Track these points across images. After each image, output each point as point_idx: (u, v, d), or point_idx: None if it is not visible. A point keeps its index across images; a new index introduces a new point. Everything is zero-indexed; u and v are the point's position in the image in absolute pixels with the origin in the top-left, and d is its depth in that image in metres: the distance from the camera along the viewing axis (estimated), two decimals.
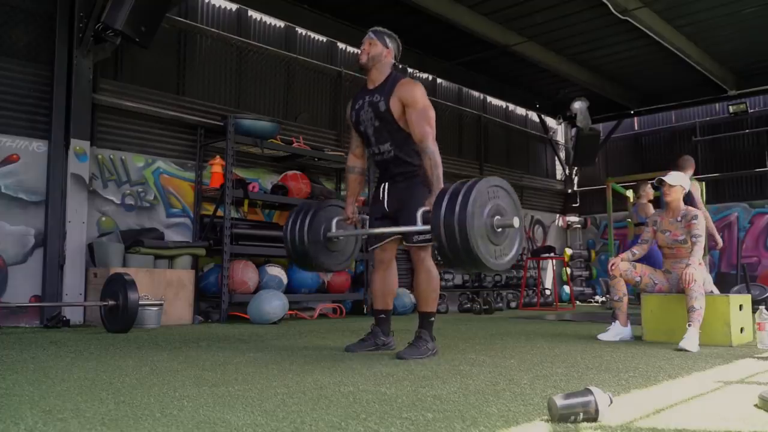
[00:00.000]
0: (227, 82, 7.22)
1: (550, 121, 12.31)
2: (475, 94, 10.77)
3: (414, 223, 3.10)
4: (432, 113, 3.23)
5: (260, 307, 5.65)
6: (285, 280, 6.49)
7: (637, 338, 4.31)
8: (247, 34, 7.43)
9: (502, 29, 8.28)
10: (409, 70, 9.47)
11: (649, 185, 6.58)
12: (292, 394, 2.12)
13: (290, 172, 7.02)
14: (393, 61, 3.42)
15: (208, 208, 6.59)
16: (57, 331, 4.77)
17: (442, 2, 7.44)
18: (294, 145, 7.01)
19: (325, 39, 8.33)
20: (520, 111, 11.82)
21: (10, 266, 5.34)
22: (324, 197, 7.07)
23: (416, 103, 3.20)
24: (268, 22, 7.71)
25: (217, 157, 6.46)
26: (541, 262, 10.23)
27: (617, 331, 4.29)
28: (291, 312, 6.42)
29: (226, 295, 5.98)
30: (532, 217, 11.64)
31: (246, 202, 6.57)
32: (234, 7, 7.35)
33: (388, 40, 3.42)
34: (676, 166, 5.96)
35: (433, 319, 3.31)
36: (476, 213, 2.70)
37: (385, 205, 3.37)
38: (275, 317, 5.64)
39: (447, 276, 8.99)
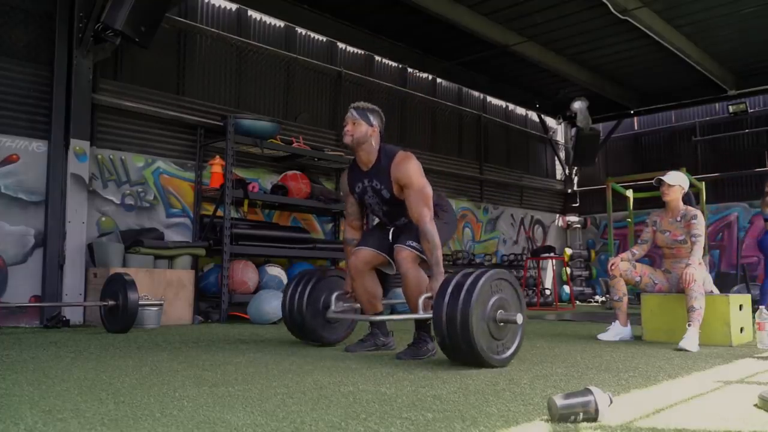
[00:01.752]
0: (227, 82, 7.22)
1: (550, 121, 12.31)
2: (475, 94, 10.77)
3: (413, 240, 3.18)
4: (428, 191, 3.22)
5: (260, 307, 5.64)
6: (285, 280, 6.49)
7: (637, 338, 4.31)
8: (246, 34, 7.43)
9: (502, 29, 8.28)
10: (409, 70, 9.48)
11: None
12: (292, 394, 2.13)
13: (290, 172, 7.02)
14: (379, 137, 3.37)
15: (208, 208, 6.59)
16: (57, 332, 4.77)
17: (441, 2, 7.44)
18: (294, 145, 7.01)
19: (325, 39, 8.33)
20: (520, 111, 11.83)
21: (10, 266, 5.34)
22: (324, 197, 7.07)
23: (412, 184, 3.19)
24: (267, 22, 7.71)
25: (217, 157, 6.46)
26: (540, 261, 10.24)
27: (617, 331, 4.29)
28: None
29: (225, 295, 5.98)
30: (532, 217, 11.64)
31: (246, 202, 6.57)
32: (234, 6, 7.35)
33: (371, 117, 3.35)
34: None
35: (429, 321, 3.28)
36: (479, 308, 2.72)
37: (389, 237, 3.42)
38: (275, 317, 5.64)
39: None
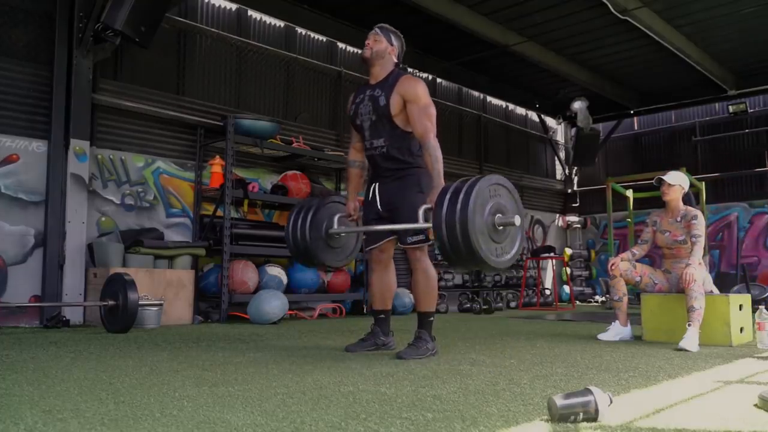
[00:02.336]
0: (227, 82, 7.21)
1: (550, 121, 12.31)
2: (475, 93, 10.77)
3: (411, 222, 3.10)
4: (433, 111, 3.22)
5: (260, 307, 5.64)
6: (285, 280, 6.49)
7: (637, 338, 4.31)
8: (246, 34, 7.43)
9: (502, 29, 8.28)
10: (410, 69, 9.47)
11: None
12: (291, 394, 2.13)
13: (290, 172, 7.02)
14: (395, 59, 3.39)
15: (208, 208, 6.59)
16: (57, 331, 4.77)
17: (441, 2, 7.44)
18: (294, 145, 7.01)
19: (325, 39, 8.33)
20: (520, 111, 11.82)
21: (10, 266, 5.33)
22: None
23: (418, 99, 3.19)
24: (267, 22, 7.71)
25: (217, 157, 6.46)
26: (540, 261, 10.24)
27: (617, 330, 4.29)
28: (291, 312, 6.41)
29: (225, 295, 5.98)
30: (532, 217, 11.64)
31: (246, 202, 6.57)
32: (234, 6, 7.35)
33: (393, 38, 3.39)
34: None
35: (432, 318, 3.32)
36: (477, 211, 2.71)
37: (378, 206, 3.35)
38: (275, 317, 5.64)
39: (447, 276, 8.99)
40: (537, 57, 8.95)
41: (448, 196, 2.77)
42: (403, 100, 3.22)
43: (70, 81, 5.62)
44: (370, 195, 3.40)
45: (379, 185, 3.36)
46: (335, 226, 3.55)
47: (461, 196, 2.72)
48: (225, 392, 2.16)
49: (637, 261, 4.40)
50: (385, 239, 3.39)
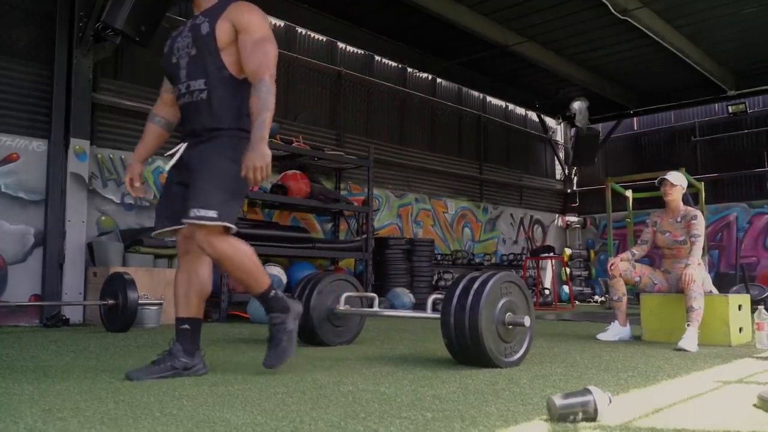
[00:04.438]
0: None
1: (550, 121, 12.32)
2: (475, 93, 10.77)
3: (195, 210, 2.34)
4: (272, 48, 2.41)
5: (260, 306, 5.64)
6: (284, 279, 6.50)
7: (636, 338, 4.31)
8: None
9: (502, 29, 8.29)
10: (409, 69, 9.48)
11: None
12: (291, 394, 2.13)
13: (290, 172, 7.02)
14: None
15: None
16: (57, 331, 4.77)
17: (442, 2, 7.45)
18: (294, 144, 7.01)
19: (325, 39, 8.34)
20: (520, 111, 11.83)
21: (10, 265, 5.34)
22: (324, 196, 7.08)
23: (251, 28, 2.41)
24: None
25: None
26: (540, 261, 10.24)
27: (616, 330, 4.29)
28: None
29: (225, 294, 5.98)
30: (532, 216, 11.65)
31: (246, 201, 6.57)
32: None
33: None
34: None
35: (273, 292, 2.60)
36: (488, 310, 2.73)
37: (172, 163, 2.54)
38: None
39: (446, 275, 8.99)
40: (536, 57, 8.96)
41: (458, 291, 2.79)
42: (234, 29, 2.44)
43: (70, 80, 5.63)
44: (176, 156, 2.53)
45: (187, 146, 2.52)
46: (341, 305, 3.58)
47: (472, 292, 2.75)
48: (225, 391, 2.16)
49: (636, 261, 4.40)
50: (177, 221, 2.49)
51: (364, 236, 7.52)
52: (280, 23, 7.82)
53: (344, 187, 8.18)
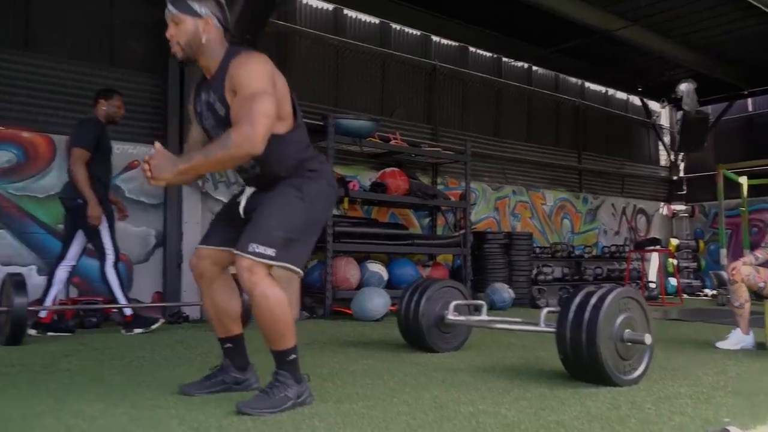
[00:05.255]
0: (325, 81, 7.38)
1: (654, 105, 11.72)
2: (573, 80, 10.42)
3: (251, 244, 2.22)
4: (264, 103, 2.14)
5: (364, 304, 5.79)
6: (385, 276, 6.61)
7: (760, 345, 4.07)
8: (343, 33, 7.55)
9: (604, 14, 7.96)
10: (504, 59, 9.30)
11: None
12: (414, 414, 2.18)
13: (388, 170, 7.10)
14: (218, 31, 2.33)
15: None
16: (178, 328, 5.09)
17: None
18: (391, 142, 7.08)
19: (419, 33, 8.33)
20: (621, 95, 11.34)
21: (135, 265, 5.75)
22: (422, 193, 7.12)
23: (242, 87, 2.19)
24: (363, 20, 7.79)
25: None
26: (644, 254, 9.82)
27: (738, 339, 4.07)
28: (392, 308, 6.52)
29: (329, 291, 6.17)
30: (635, 206, 11.18)
31: (346, 200, 6.72)
32: (330, 6, 7.48)
33: (196, 4, 2.31)
34: None
35: (293, 357, 2.32)
36: (606, 326, 2.68)
37: (241, 210, 2.45)
38: (378, 314, 5.77)
39: (545, 269, 8.81)
40: (640, 40, 8.54)
41: (574, 306, 2.76)
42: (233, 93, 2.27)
43: (182, 89, 5.94)
44: (238, 199, 2.51)
45: (251, 194, 2.47)
46: (450, 313, 3.61)
47: (589, 308, 2.70)
48: (350, 410, 2.25)
49: (759, 265, 4.14)
50: (219, 244, 2.48)
51: (462, 232, 7.50)
52: (375, 20, 7.88)
53: (441, 181, 8.19)
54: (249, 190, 2.48)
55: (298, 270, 2.31)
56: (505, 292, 7.50)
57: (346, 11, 7.61)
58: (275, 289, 2.24)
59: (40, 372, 3.04)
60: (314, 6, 7.36)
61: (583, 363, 2.72)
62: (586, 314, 2.70)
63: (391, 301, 6.13)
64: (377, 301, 5.81)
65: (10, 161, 5.26)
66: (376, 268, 6.60)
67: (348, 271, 6.35)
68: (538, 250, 8.94)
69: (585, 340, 2.68)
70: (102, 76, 5.74)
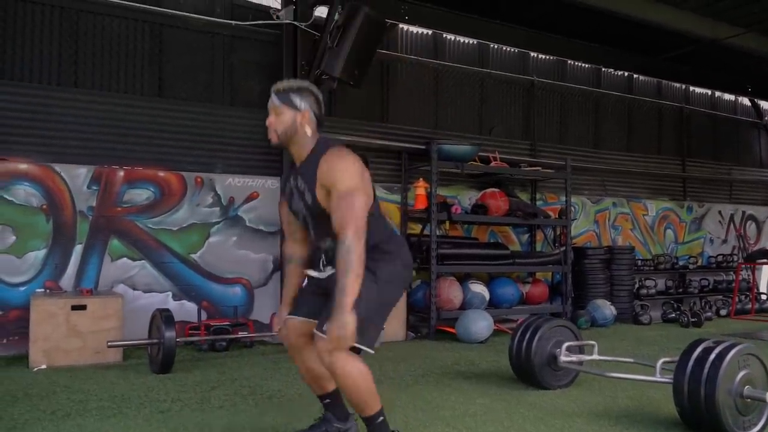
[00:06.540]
0: (426, 105, 7.61)
1: (765, 105, 11.14)
2: (676, 85, 10.10)
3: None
4: (356, 200, 2.35)
5: (468, 327, 6.03)
6: (487, 297, 6.78)
7: None
8: (443, 56, 7.75)
9: (712, 23, 7.72)
10: (603, 69, 9.17)
11: None
12: None
13: (488, 190, 7.25)
14: (312, 125, 2.54)
15: (414, 228, 7.07)
16: None
17: (642, 4, 7.13)
18: (492, 164, 7.22)
19: (516, 50, 8.38)
20: (728, 97, 10.85)
21: (255, 288, 6.24)
22: (522, 212, 7.22)
23: (338, 183, 2.38)
24: (462, 41, 7.95)
25: (420, 179, 6.90)
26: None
27: None
28: (496, 327, 6.70)
29: (434, 312, 6.43)
30: (744, 212, 10.70)
31: (448, 222, 6.95)
32: (430, 32, 7.69)
33: (298, 99, 2.52)
34: None
35: (381, 419, 2.47)
36: (726, 382, 2.79)
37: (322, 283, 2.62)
38: (482, 337, 5.98)
39: (648, 283, 8.67)
40: (753, 46, 8.19)
41: (691, 363, 2.87)
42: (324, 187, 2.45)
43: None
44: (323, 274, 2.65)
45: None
46: (563, 354, 3.79)
47: (708, 365, 2.81)
48: None
49: None
50: (305, 315, 2.63)
51: (563, 248, 7.55)
52: (473, 41, 8.02)
53: (540, 196, 8.24)
54: (330, 270, 2.55)
55: (371, 351, 2.43)
56: (606, 308, 7.49)
57: (445, 35, 7.80)
58: (355, 364, 2.37)
59: (197, 410, 3.47)
60: (415, 32, 7.59)
61: (701, 417, 2.83)
62: (705, 370, 2.82)
63: (494, 321, 6.32)
64: (481, 324, 6.02)
65: (149, 198, 5.86)
66: (479, 288, 6.78)
67: (451, 292, 6.58)
68: (639, 263, 8.79)
69: (704, 395, 2.79)
70: (224, 115, 6.26)
